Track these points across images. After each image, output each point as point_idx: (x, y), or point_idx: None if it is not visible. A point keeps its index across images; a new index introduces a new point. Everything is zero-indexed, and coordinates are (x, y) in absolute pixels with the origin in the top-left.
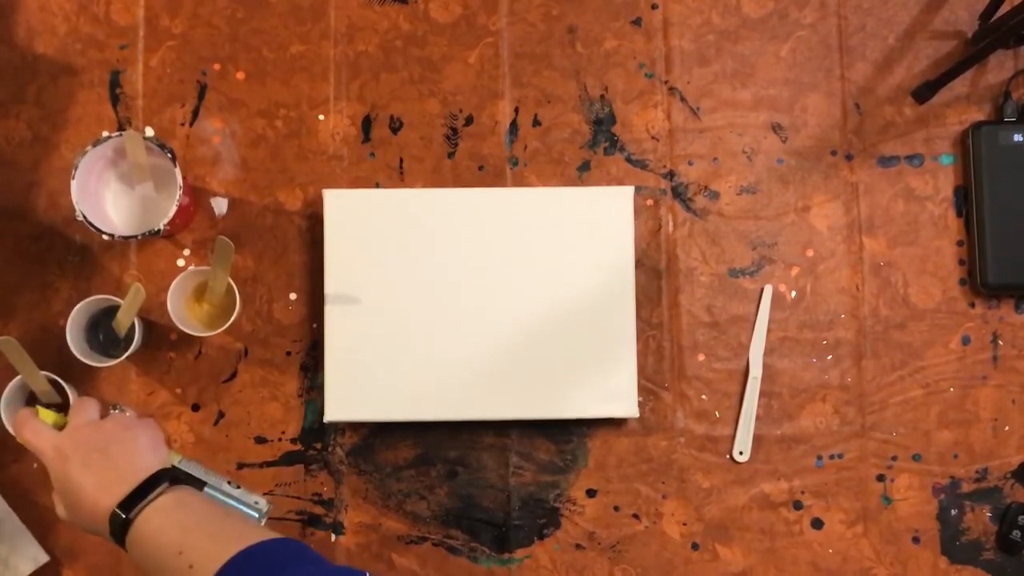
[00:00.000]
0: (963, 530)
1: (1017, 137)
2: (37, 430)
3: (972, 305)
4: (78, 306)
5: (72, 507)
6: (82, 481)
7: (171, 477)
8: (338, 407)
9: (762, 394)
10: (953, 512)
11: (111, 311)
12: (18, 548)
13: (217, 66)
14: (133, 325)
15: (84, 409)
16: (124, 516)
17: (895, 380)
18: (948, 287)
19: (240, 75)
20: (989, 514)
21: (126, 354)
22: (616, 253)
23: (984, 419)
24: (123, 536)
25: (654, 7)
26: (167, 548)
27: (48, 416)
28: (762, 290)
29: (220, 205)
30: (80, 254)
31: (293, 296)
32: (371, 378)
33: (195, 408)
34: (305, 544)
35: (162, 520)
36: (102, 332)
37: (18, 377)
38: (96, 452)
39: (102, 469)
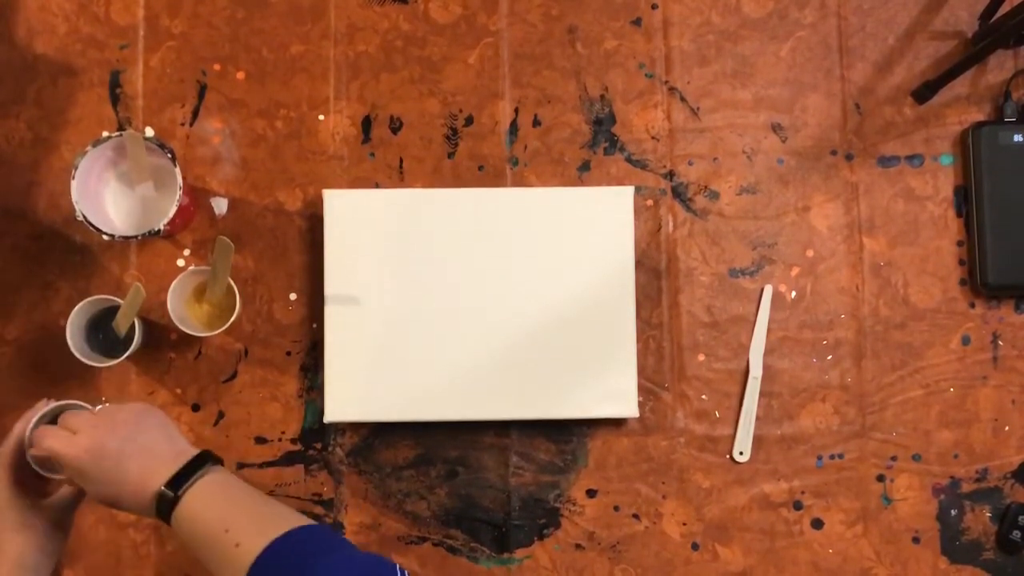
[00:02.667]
0: (963, 530)
1: (1017, 137)
2: (62, 437)
3: (972, 305)
4: (78, 306)
5: (115, 496)
6: (126, 470)
7: (210, 459)
8: (338, 407)
9: (762, 394)
10: (953, 512)
11: (111, 311)
12: None
13: (217, 66)
14: (133, 325)
15: (77, 416)
16: (173, 494)
17: (895, 380)
18: (948, 287)
19: (240, 75)
20: (989, 514)
21: (126, 354)
22: (616, 253)
23: (984, 419)
24: (169, 514)
25: (654, 7)
26: (214, 524)
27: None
28: (762, 290)
29: (220, 205)
30: (80, 254)
31: (293, 296)
32: (371, 378)
33: (195, 408)
34: (338, 533)
35: (207, 499)
36: (102, 332)
37: (49, 407)
38: (129, 443)
39: (142, 457)
